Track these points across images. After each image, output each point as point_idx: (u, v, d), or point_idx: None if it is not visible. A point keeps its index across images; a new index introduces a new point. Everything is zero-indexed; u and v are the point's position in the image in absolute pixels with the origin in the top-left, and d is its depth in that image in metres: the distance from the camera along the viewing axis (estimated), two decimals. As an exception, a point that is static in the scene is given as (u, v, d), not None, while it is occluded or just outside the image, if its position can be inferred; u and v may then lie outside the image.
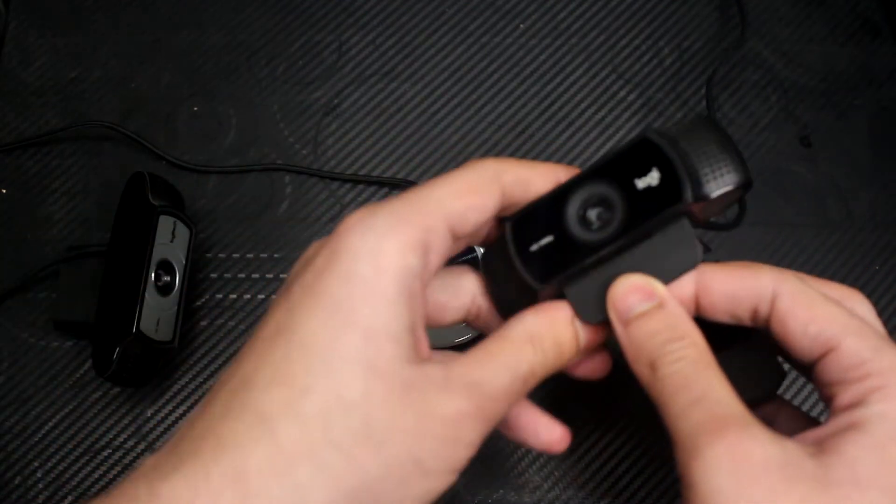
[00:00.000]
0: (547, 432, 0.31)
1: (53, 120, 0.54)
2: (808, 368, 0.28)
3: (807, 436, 0.26)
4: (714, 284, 0.29)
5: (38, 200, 0.52)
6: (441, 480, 0.26)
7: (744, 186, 0.27)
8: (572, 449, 0.46)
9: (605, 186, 0.27)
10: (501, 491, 0.46)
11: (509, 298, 0.30)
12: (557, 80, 0.55)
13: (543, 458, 0.46)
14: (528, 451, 0.46)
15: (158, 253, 0.45)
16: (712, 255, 0.50)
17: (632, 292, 0.28)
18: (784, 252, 0.51)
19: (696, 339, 0.27)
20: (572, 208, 0.28)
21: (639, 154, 0.27)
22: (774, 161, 0.53)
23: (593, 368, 0.31)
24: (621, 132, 0.53)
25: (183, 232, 0.47)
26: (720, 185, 0.27)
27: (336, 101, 0.54)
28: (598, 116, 0.54)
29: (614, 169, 0.27)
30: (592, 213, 0.28)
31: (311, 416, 0.24)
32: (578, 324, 0.28)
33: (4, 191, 0.52)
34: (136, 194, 0.46)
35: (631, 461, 0.46)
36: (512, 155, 0.53)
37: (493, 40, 0.56)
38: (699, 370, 0.27)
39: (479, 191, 0.28)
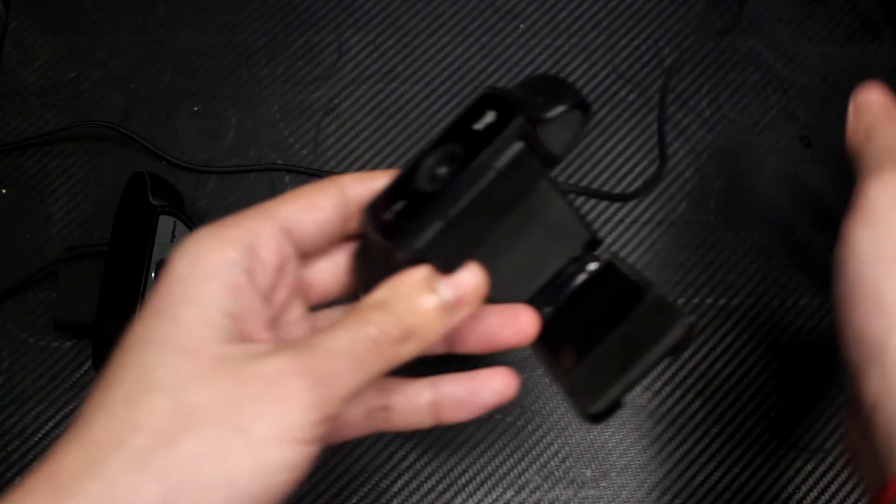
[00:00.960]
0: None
1: (53, 120, 0.54)
2: None
3: None
4: None
5: (38, 200, 0.52)
6: (274, 449, 0.24)
7: (577, 108, 0.27)
8: (572, 448, 0.46)
9: (451, 144, 0.28)
10: (501, 491, 0.46)
11: (376, 282, 0.29)
12: (557, 80, 0.55)
13: (543, 459, 0.46)
14: (529, 450, 0.46)
15: (158, 253, 0.45)
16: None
17: (880, 92, 0.36)
18: (784, 252, 0.51)
19: None
20: (422, 172, 0.28)
21: (477, 107, 0.28)
22: (774, 161, 0.53)
23: (514, 331, 0.30)
24: (621, 132, 0.53)
25: (183, 232, 0.47)
26: (552, 106, 0.27)
27: (336, 101, 0.54)
28: (598, 116, 0.54)
29: (457, 128, 0.28)
30: (442, 170, 0.27)
31: (118, 406, 0.24)
32: (442, 281, 0.27)
33: (4, 191, 0.52)
34: (136, 194, 0.46)
35: (629, 460, 0.46)
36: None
37: (493, 40, 0.56)
38: None
39: (310, 194, 0.29)
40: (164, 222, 0.46)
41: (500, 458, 0.46)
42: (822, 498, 0.46)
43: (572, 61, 0.55)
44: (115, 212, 0.47)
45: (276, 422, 0.24)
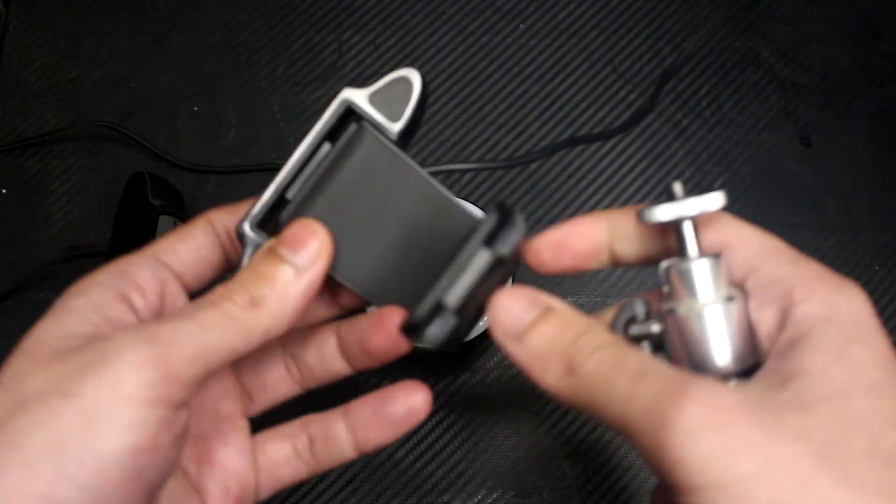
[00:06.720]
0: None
1: (53, 120, 0.54)
2: None
3: (763, 372, 0.24)
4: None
5: (38, 200, 0.52)
6: (105, 411, 0.23)
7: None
8: (572, 449, 0.46)
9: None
10: (501, 491, 0.46)
11: None
12: (557, 80, 0.55)
13: (543, 459, 0.46)
14: (528, 451, 0.46)
15: (158, 253, 0.45)
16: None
17: (513, 304, 0.26)
18: (784, 252, 0.50)
19: (601, 327, 0.25)
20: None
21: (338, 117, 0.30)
22: (774, 161, 0.53)
23: (386, 335, 0.29)
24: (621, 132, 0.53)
25: (183, 232, 0.47)
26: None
27: (336, 101, 0.54)
28: (598, 116, 0.54)
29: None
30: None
31: None
32: (279, 240, 0.28)
33: (4, 191, 0.52)
34: (136, 194, 0.46)
35: (630, 460, 0.46)
36: (510, 157, 0.53)
37: (493, 40, 0.56)
38: (623, 350, 0.24)
39: (181, 229, 0.31)
40: (164, 222, 0.46)
41: (500, 457, 0.46)
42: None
43: (572, 61, 0.55)
44: (115, 212, 0.47)
45: (106, 383, 0.24)
